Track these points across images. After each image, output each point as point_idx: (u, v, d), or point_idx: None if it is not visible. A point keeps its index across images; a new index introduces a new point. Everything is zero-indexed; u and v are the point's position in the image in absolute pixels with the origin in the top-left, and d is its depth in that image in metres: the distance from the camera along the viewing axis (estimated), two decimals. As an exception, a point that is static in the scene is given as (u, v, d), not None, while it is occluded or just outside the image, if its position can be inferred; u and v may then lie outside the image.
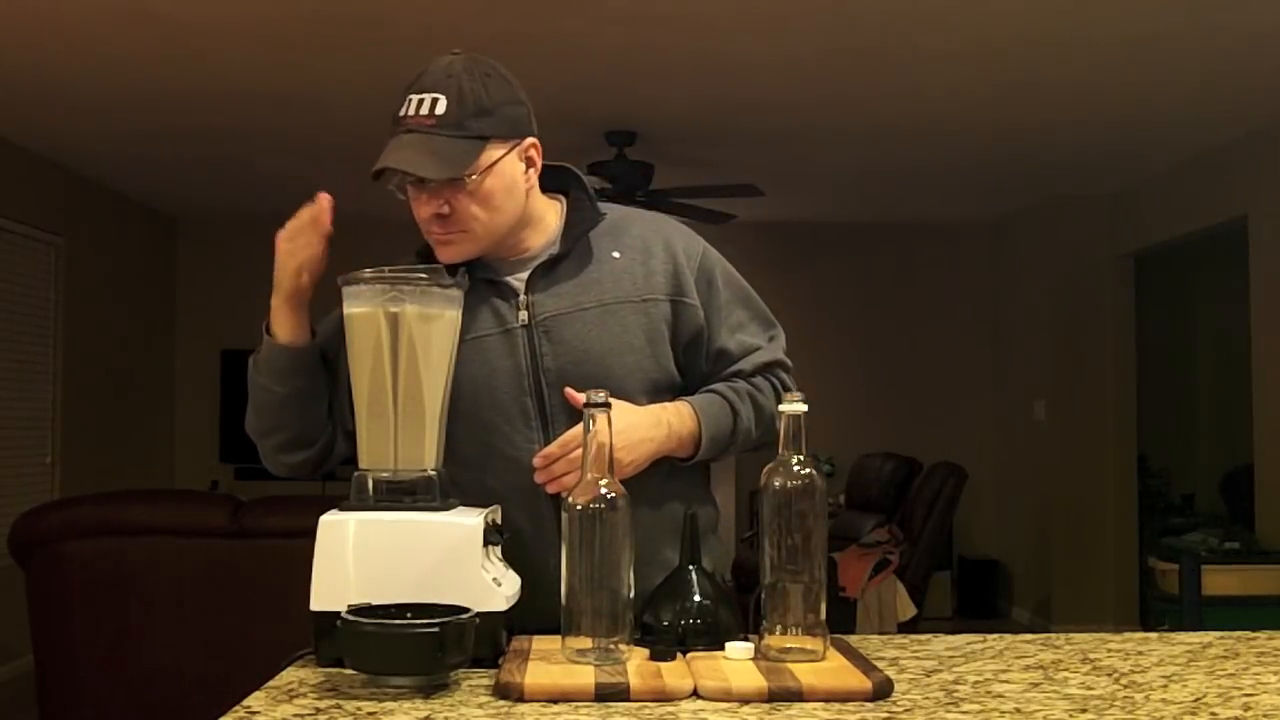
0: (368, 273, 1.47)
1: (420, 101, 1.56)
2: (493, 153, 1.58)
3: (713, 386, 1.71)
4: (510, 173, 1.61)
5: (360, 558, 1.39)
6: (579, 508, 1.35)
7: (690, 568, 1.47)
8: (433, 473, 1.47)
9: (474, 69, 1.58)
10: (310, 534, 1.39)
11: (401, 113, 1.57)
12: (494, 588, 1.39)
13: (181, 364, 8.07)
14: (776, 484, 1.38)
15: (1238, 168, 5.80)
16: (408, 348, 1.47)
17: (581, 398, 1.43)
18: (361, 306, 1.48)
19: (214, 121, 5.52)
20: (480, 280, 1.64)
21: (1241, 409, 5.97)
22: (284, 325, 1.67)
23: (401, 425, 1.47)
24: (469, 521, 1.41)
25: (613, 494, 1.35)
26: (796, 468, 1.39)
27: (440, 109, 1.55)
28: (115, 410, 7.09)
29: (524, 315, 1.64)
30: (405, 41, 4.41)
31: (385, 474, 1.46)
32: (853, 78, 4.86)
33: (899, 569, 5.88)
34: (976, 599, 7.67)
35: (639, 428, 1.58)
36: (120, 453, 7.12)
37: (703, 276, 1.71)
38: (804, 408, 1.41)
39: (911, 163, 6.43)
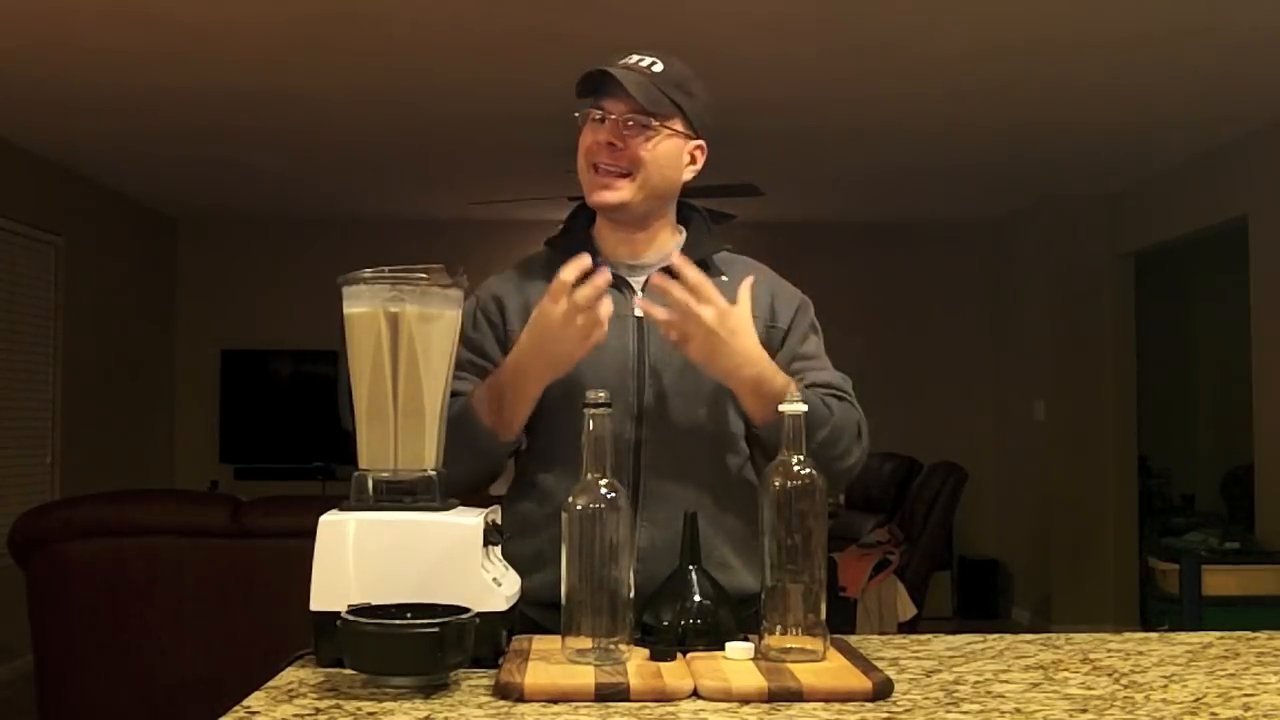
0: (368, 273, 1.47)
1: (640, 58, 1.73)
2: (676, 125, 1.73)
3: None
4: (676, 152, 1.75)
5: (360, 558, 1.39)
6: (579, 508, 1.35)
7: (690, 568, 1.47)
8: (433, 473, 1.47)
9: (686, 65, 1.77)
10: (310, 534, 1.39)
11: (620, 60, 1.73)
12: (494, 588, 1.38)
13: (181, 364, 8.06)
14: (776, 484, 1.38)
15: (1238, 168, 5.80)
16: (408, 348, 1.46)
17: (659, 312, 1.61)
18: (361, 306, 1.47)
19: (214, 121, 5.52)
20: None
21: (1241, 409, 5.97)
22: (529, 400, 1.68)
23: (401, 425, 1.47)
24: (469, 521, 1.41)
25: (613, 494, 1.35)
26: (796, 468, 1.39)
27: (656, 69, 1.72)
28: (115, 410, 7.09)
29: (638, 309, 1.73)
30: (406, 41, 4.42)
31: (385, 474, 1.46)
32: (853, 78, 4.86)
33: (899, 569, 5.88)
34: (976, 599, 7.67)
35: (748, 334, 1.64)
36: (120, 453, 7.12)
37: (802, 316, 1.81)
38: (804, 408, 1.41)
39: (912, 163, 6.43)
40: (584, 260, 1.60)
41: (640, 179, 1.72)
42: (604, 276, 1.60)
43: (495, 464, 1.74)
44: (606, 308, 1.61)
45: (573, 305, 1.58)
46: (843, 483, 1.77)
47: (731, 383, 1.65)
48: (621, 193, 1.72)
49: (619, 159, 1.71)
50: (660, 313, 1.63)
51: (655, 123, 1.70)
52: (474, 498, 1.60)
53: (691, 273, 1.61)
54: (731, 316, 1.61)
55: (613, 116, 1.70)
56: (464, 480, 1.59)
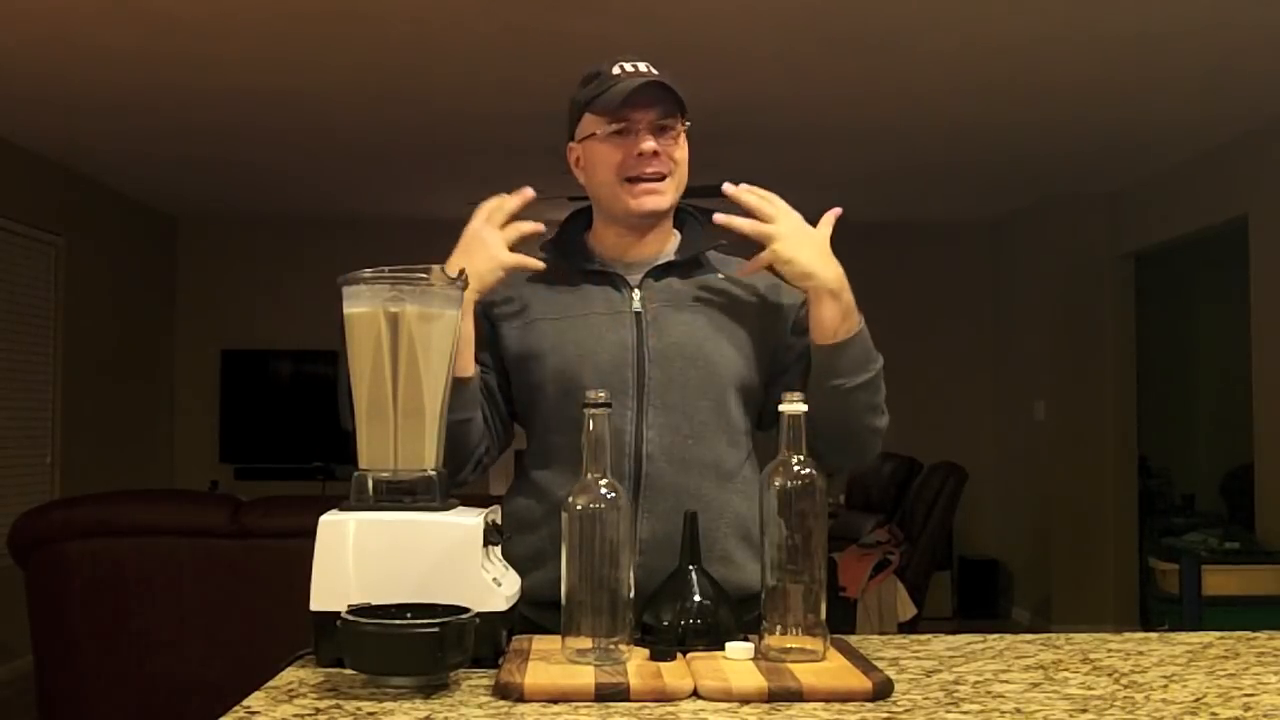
0: (367, 272, 1.47)
1: (635, 65, 1.72)
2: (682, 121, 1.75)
3: None
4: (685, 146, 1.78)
5: (360, 558, 1.39)
6: (579, 508, 1.35)
7: (690, 568, 1.47)
8: (433, 473, 1.47)
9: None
10: (310, 534, 1.39)
11: (615, 70, 1.71)
12: (494, 588, 1.38)
13: (181, 364, 8.06)
14: (776, 484, 1.38)
15: (1238, 168, 5.80)
16: (408, 348, 1.46)
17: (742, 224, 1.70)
18: (361, 306, 1.47)
19: (214, 121, 5.52)
20: (596, 273, 1.76)
21: (1241, 409, 5.97)
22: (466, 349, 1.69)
23: (401, 425, 1.47)
24: (469, 521, 1.41)
25: (613, 494, 1.35)
26: (796, 468, 1.39)
27: (655, 72, 1.72)
28: (115, 410, 7.09)
29: (637, 304, 1.74)
30: (405, 40, 4.42)
31: (385, 474, 1.46)
32: (853, 76, 4.86)
33: (899, 569, 5.88)
34: (976, 599, 7.67)
35: (831, 257, 1.73)
36: (120, 453, 7.12)
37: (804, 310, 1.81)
38: (804, 408, 1.41)
39: (911, 163, 6.43)
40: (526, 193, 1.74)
41: (677, 179, 1.75)
42: (531, 192, 1.73)
43: (456, 422, 1.61)
44: (530, 226, 1.73)
45: (498, 209, 1.70)
46: (867, 455, 1.79)
47: (814, 283, 1.69)
48: (668, 195, 1.75)
49: (663, 164, 1.72)
50: (742, 223, 1.70)
51: (681, 123, 1.73)
52: (473, 497, 1.60)
53: (750, 195, 1.71)
54: (802, 221, 1.71)
55: (640, 128, 1.70)
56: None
